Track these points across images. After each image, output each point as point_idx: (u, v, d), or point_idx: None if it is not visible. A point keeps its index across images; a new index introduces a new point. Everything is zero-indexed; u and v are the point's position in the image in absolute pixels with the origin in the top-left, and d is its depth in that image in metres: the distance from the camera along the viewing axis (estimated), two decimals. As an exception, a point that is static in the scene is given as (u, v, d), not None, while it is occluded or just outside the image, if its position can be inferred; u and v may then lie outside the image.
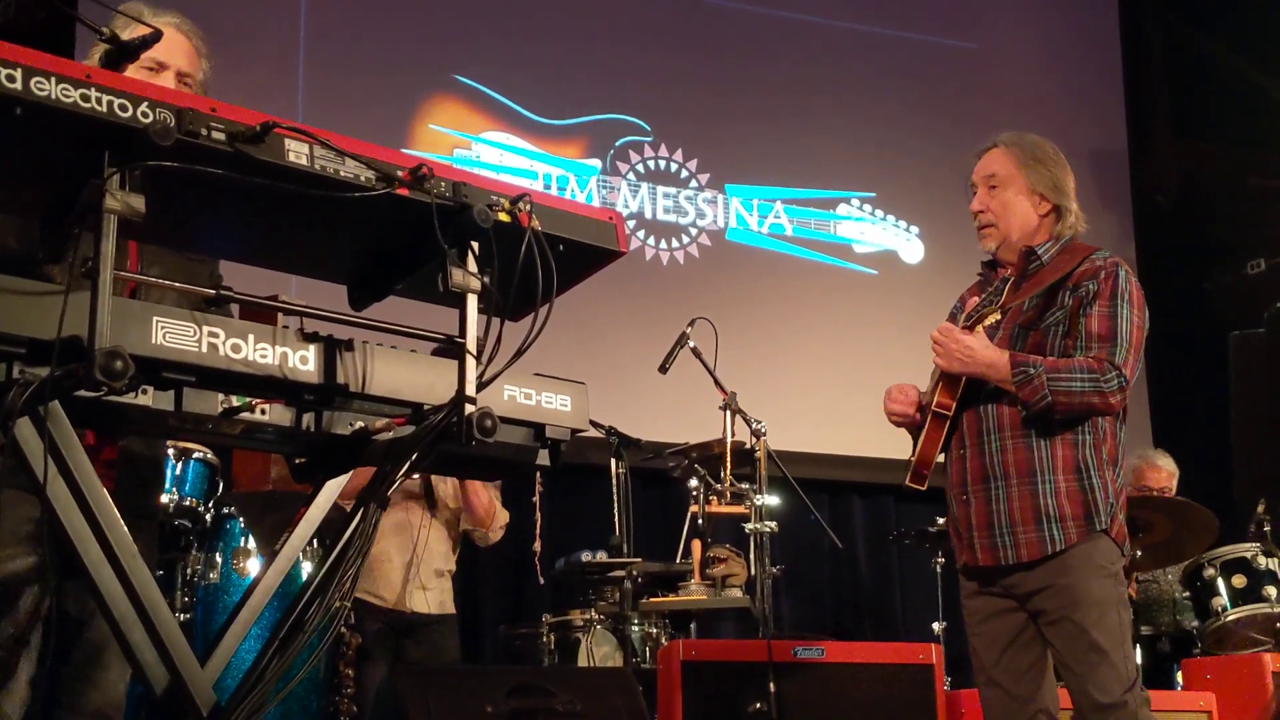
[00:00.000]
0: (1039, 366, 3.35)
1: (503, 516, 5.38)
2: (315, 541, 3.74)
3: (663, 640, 5.33)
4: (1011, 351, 3.43)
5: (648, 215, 7.77)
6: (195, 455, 4.42)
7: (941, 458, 3.60)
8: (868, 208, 8.29)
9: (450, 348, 2.10)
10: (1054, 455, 3.40)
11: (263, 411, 2.03)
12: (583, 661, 5.24)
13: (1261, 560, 5.59)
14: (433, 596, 5.15)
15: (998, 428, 3.46)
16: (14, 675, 2.65)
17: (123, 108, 1.79)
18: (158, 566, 4.32)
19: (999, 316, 3.47)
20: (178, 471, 4.42)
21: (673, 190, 7.88)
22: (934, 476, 3.59)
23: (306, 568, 4.31)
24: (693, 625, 5.69)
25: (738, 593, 5.27)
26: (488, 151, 7.47)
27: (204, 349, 1.91)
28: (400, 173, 2.01)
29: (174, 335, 1.89)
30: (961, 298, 3.79)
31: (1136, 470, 6.29)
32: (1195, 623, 5.81)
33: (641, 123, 7.87)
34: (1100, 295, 3.43)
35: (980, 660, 3.52)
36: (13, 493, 2.53)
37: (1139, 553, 5.49)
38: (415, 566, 5.08)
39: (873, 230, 8.29)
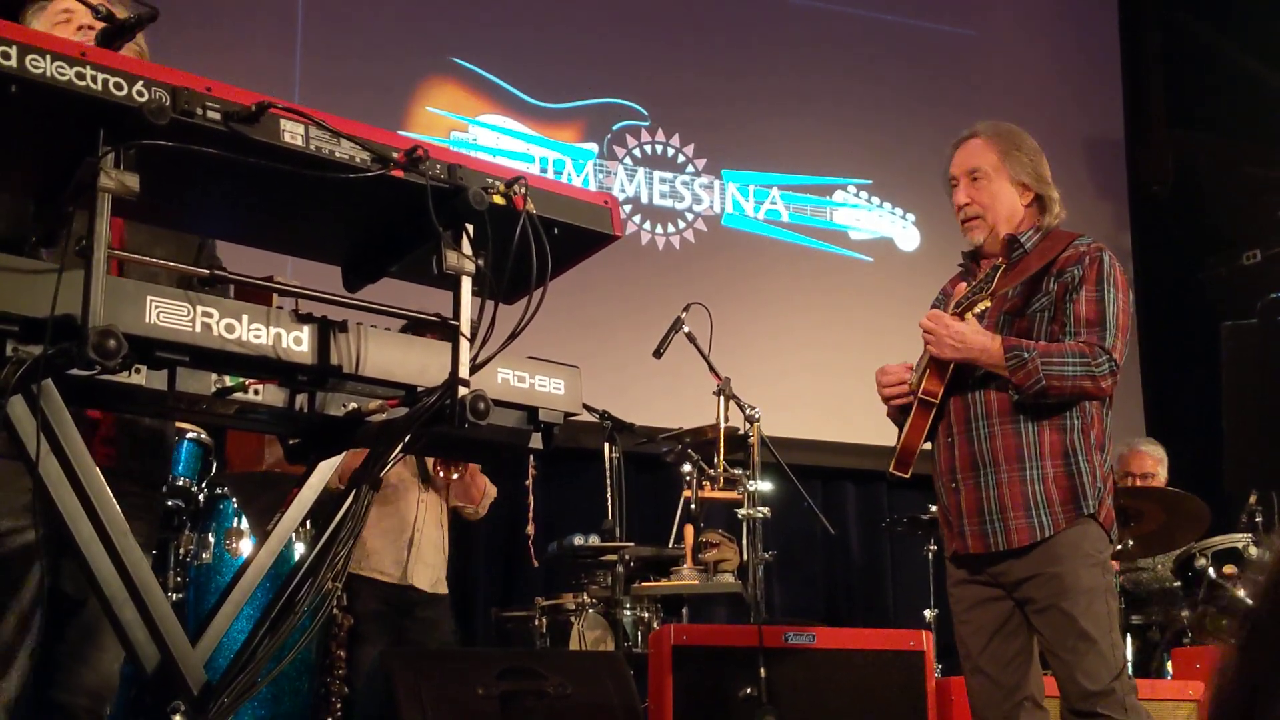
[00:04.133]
0: (1032, 351, 3.36)
1: (491, 492, 5.39)
2: (308, 522, 3.74)
3: (654, 624, 5.34)
4: (1003, 336, 3.44)
5: (644, 200, 7.77)
6: (189, 435, 4.41)
7: (928, 445, 3.61)
8: (864, 194, 8.29)
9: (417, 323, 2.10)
10: (1042, 441, 3.41)
11: (256, 392, 2.03)
12: (574, 645, 5.25)
13: (1253, 550, 5.59)
14: (431, 574, 5.17)
15: (985, 414, 3.47)
16: (18, 648, 2.66)
17: (118, 86, 1.79)
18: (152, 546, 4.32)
19: (989, 303, 3.48)
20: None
21: (669, 175, 7.87)
22: (919, 465, 3.60)
23: (299, 548, 4.32)
24: (684, 610, 5.71)
25: (729, 578, 5.28)
26: (485, 134, 7.46)
27: (198, 328, 1.91)
28: (395, 154, 2.01)
29: (168, 314, 1.89)
30: (944, 288, 3.79)
31: (1122, 457, 6.30)
32: (1186, 612, 5.83)
33: (639, 107, 7.86)
34: (1086, 280, 3.44)
35: (967, 648, 3.53)
36: (11, 466, 2.54)
37: (1130, 541, 5.51)
38: (415, 544, 5.10)
39: (869, 217, 8.29)
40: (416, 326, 2.33)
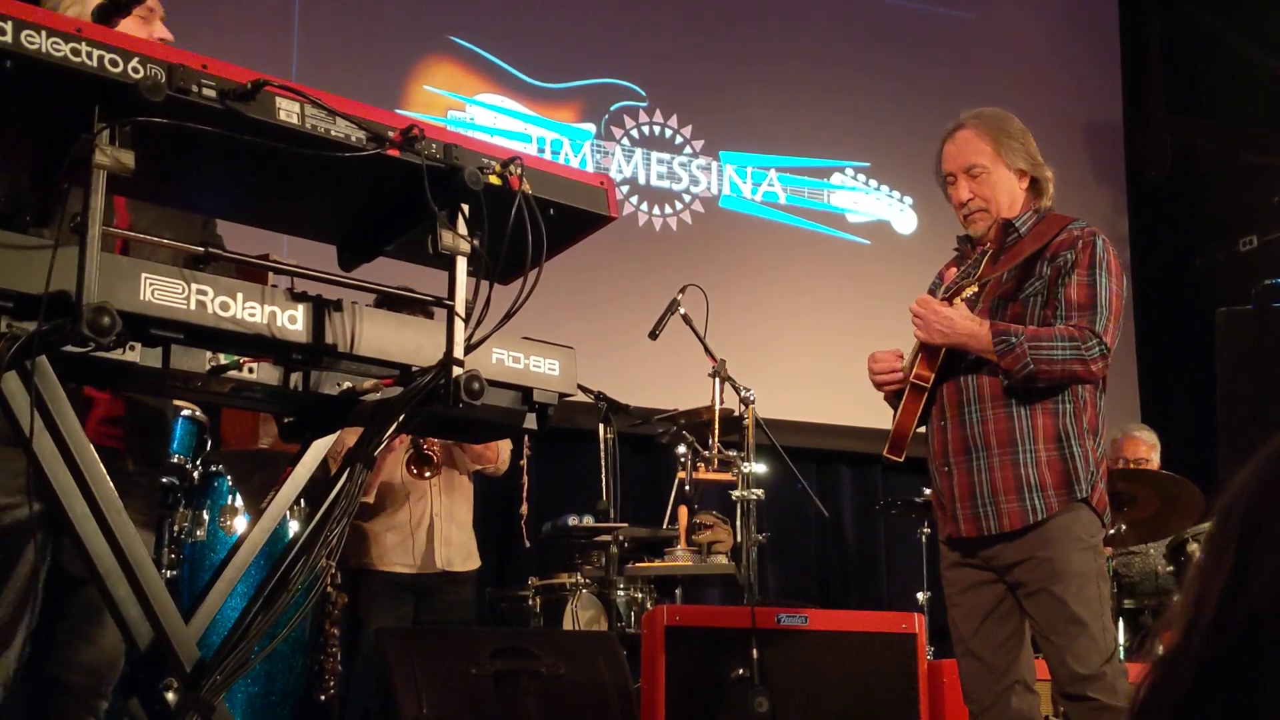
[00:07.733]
0: (1020, 335, 3.36)
1: (506, 444, 5.37)
2: (302, 500, 3.75)
3: (648, 605, 5.35)
4: (992, 321, 3.44)
5: (641, 181, 7.76)
6: (184, 413, 4.41)
7: (921, 429, 3.61)
8: (861, 177, 8.28)
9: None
10: (1034, 425, 3.42)
11: (250, 370, 2.03)
12: (568, 625, 5.26)
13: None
14: (461, 552, 5.19)
15: (978, 398, 3.47)
16: (15, 626, 2.66)
17: (113, 63, 1.78)
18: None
19: (977, 289, 3.48)
20: (166, 428, 4.42)
21: (667, 156, 7.85)
22: (914, 448, 3.61)
23: (293, 526, 4.33)
24: (678, 591, 5.71)
25: (723, 559, 5.29)
26: (482, 114, 7.44)
27: (192, 306, 1.91)
28: (391, 133, 2.01)
29: (162, 292, 1.89)
30: (940, 272, 3.80)
31: (1115, 443, 6.31)
32: (1178, 598, 5.83)
33: (637, 88, 7.84)
34: (1079, 264, 3.44)
35: (959, 631, 3.54)
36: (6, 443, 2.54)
37: (1123, 526, 5.52)
38: (438, 530, 5.11)
39: (866, 200, 8.28)
40: (391, 303, 2.33)
